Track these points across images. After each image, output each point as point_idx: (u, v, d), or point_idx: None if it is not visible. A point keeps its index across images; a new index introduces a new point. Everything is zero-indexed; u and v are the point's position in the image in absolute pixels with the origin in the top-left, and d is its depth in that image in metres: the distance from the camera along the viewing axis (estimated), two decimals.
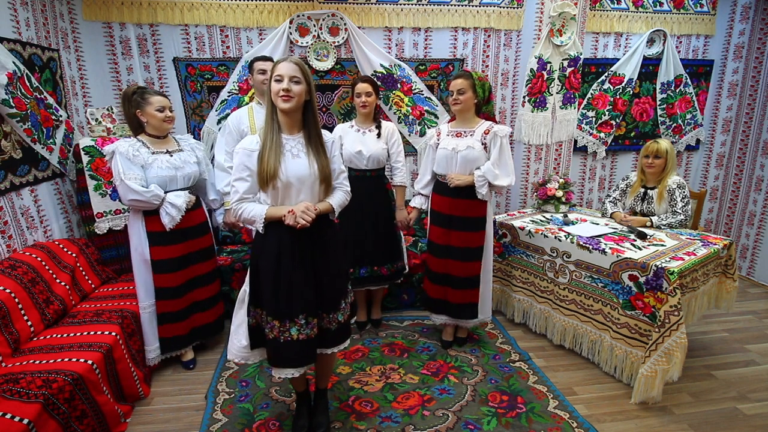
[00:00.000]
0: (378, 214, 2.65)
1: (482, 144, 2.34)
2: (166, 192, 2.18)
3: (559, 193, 3.05)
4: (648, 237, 2.44)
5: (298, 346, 1.67)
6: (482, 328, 2.88)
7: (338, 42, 3.32)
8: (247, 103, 3.29)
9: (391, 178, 2.72)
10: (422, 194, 2.61)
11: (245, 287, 1.77)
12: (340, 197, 1.78)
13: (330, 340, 1.80)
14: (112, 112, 2.90)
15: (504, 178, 2.33)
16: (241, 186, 1.66)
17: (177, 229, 2.22)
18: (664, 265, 2.08)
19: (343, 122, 3.42)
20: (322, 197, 1.73)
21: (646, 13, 3.65)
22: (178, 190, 2.24)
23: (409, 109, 3.52)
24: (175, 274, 2.29)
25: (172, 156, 2.25)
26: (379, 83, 3.35)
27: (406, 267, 2.86)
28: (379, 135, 2.60)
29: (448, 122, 2.59)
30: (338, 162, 1.78)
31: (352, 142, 2.58)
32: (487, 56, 3.55)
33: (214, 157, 2.72)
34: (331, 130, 2.67)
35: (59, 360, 1.83)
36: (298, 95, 1.60)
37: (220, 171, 2.51)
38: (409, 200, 2.74)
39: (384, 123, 2.66)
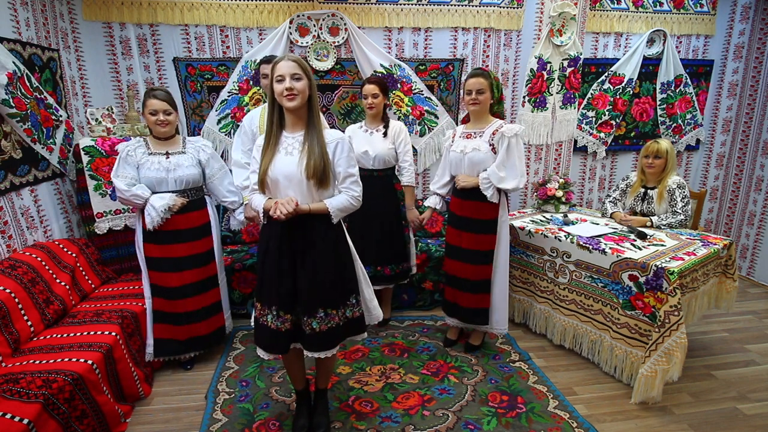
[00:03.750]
0: (384, 214, 2.65)
1: (490, 145, 2.27)
2: (155, 193, 2.22)
3: (559, 193, 3.05)
4: (648, 237, 2.44)
5: (270, 333, 1.73)
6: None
7: (338, 42, 3.32)
8: (247, 104, 3.30)
9: (400, 178, 2.72)
10: (438, 194, 2.57)
11: None
12: (341, 201, 1.69)
13: (306, 342, 1.76)
14: (112, 112, 2.89)
15: (510, 181, 2.23)
16: (253, 178, 1.75)
17: (169, 230, 2.24)
18: (664, 265, 2.08)
19: (343, 122, 3.44)
20: (317, 198, 1.68)
21: (646, 13, 3.65)
22: (169, 192, 2.24)
23: (409, 109, 3.52)
24: (168, 275, 2.29)
25: (168, 158, 2.25)
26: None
27: (413, 269, 2.85)
28: (385, 135, 2.60)
29: (462, 122, 2.55)
30: (344, 165, 1.68)
31: (360, 142, 2.60)
32: (487, 56, 3.54)
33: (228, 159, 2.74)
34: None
35: (59, 360, 1.83)
36: (301, 92, 1.60)
37: (237, 168, 2.55)
38: (423, 199, 2.73)
39: (392, 123, 2.66)
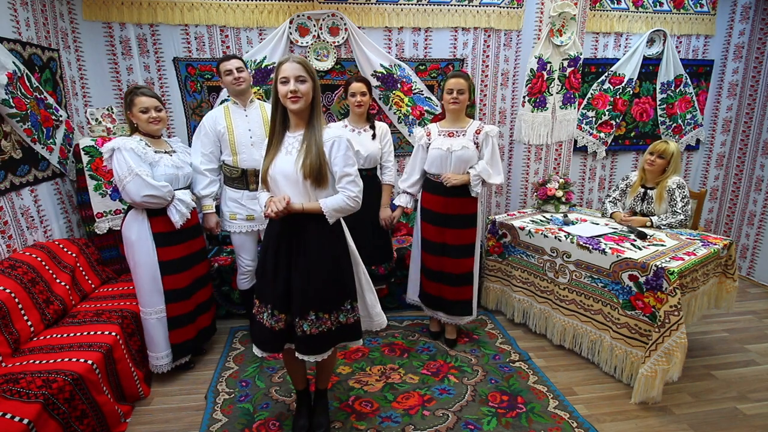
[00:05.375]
0: (375, 213, 2.66)
1: (474, 143, 2.41)
2: None
3: (559, 193, 3.05)
4: (648, 237, 2.44)
5: (265, 331, 1.73)
6: (482, 328, 2.89)
7: (338, 42, 3.32)
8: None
9: (381, 177, 2.73)
10: (408, 193, 2.62)
11: None
12: (336, 201, 1.66)
13: (297, 344, 1.73)
14: (112, 112, 2.89)
15: (497, 177, 2.43)
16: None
17: (180, 229, 2.22)
18: (664, 265, 2.08)
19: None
20: (312, 197, 1.66)
21: (646, 13, 3.65)
22: (180, 189, 2.24)
23: (409, 109, 3.52)
24: (183, 275, 2.28)
25: (171, 156, 2.25)
26: (378, 83, 3.36)
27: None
28: (374, 136, 2.61)
29: (434, 122, 2.62)
30: (341, 164, 1.65)
31: None
32: (487, 56, 3.55)
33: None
34: None
35: (59, 360, 1.83)
36: (305, 94, 1.60)
37: (196, 174, 2.43)
38: (394, 198, 2.74)
39: (378, 123, 2.68)
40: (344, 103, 3.45)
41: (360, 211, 2.59)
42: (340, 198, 1.67)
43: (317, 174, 1.61)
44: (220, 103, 3.26)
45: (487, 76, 3.58)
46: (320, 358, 1.74)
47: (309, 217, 1.65)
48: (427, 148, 2.50)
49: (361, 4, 3.28)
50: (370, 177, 2.64)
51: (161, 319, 2.26)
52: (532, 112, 3.38)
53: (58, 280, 2.31)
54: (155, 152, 2.18)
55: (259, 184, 1.78)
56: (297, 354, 1.75)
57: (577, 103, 3.51)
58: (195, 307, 2.38)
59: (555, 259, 2.60)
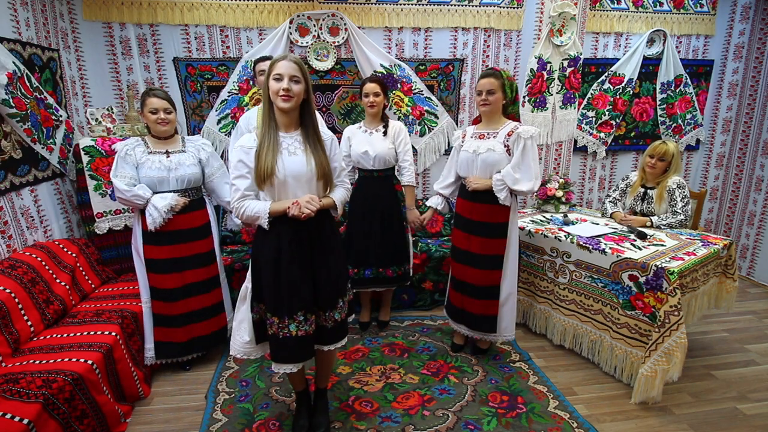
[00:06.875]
0: (385, 215, 2.62)
1: (505, 146, 2.20)
2: (156, 193, 2.20)
3: (559, 193, 3.05)
4: (648, 237, 2.44)
5: (296, 342, 1.70)
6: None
7: (338, 42, 3.32)
8: (247, 104, 3.30)
9: (400, 178, 2.70)
10: (441, 194, 2.52)
11: (247, 284, 1.79)
12: (341, 194, 1.81)
13: (327, 337, 1.80)
14: (112, 112, 2.89)
15: (525, 183, 2.15)
16: (242, 183, 1.66)
17: (170, 231, 2.22)
18: (664, 265, 2.08)
19: (343, 122, 3.44)
20: (321, 194, 1.74)
21: (646, 13, 3.65)
22: (170, 191, 2.23)
23: (409, 109, 3.52)
24: (168, 276, 2.27)
25: (168, 157, 2.25)
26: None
27: (410, 271, 2.82)
28: (385, 134, 2.57)
29: (472, 124, 2.49)
30: (339, 160, 1.81)
31: (359, 142, 2.57)
32: (487, 56, 3.54)
33: (227, 159, 2.70)
34: (332, 130, 2.67)
35: (59, 360, 1.83)
36: (297, 95, 1.60)
37: None
38: (424, 199, 2.70)
39: (392, 122, 2.63)
40: (344, 103, 3.45)
41: (370, 213, 2.59)
42: (343, 190, 1.84)
43: (328, 172, 1.72)
44: (221, 103, 3.28)
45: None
46: (344, 341, 1.87)
47: (322, 213, 1.72)
48: (460, 150, 2.37)
49: (361, 4, 3.28)
50: (381, 178, 2.60)
51: (149, 310, 2.33)
52: (532, 112, 3.38)
53: (58, 280, 2.31)
54: (149, 153, 2.23)
55: (240, 192, 1.66)
56: (328, 347, 1.82)
57: (577, 103, 3.51)
58: (186, 312, 2.34)
59: (555, 259, 2.59)
